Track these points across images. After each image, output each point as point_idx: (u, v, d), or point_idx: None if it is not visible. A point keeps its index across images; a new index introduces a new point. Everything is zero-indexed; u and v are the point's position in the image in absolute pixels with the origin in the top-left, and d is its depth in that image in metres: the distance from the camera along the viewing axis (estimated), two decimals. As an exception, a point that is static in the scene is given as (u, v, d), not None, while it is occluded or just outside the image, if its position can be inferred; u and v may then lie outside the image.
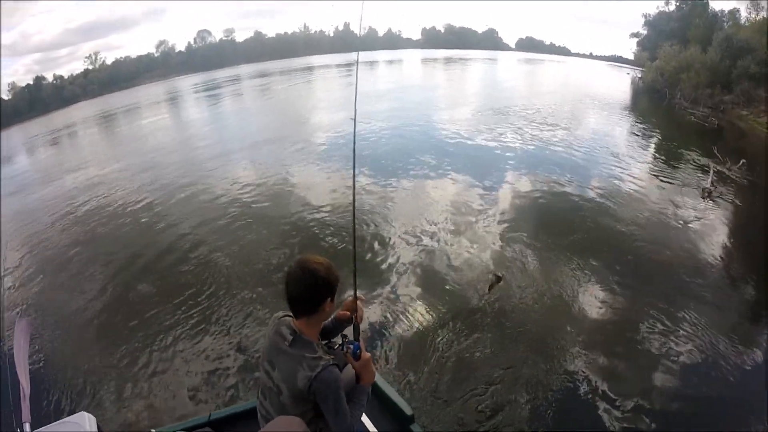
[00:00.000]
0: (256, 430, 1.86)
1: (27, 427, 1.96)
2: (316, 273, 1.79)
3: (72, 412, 2.15)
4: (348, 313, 2.12)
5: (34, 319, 5.57)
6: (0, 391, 2.57)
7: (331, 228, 7.32)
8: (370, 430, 2.49)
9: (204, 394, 4.19)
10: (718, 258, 6.45)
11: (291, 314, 1.90)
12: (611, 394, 3.95)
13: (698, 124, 16.55)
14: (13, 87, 54.88)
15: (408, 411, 2.53)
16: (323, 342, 1.97)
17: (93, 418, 2.12)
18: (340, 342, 2.06)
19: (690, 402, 3.92)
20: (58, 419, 2.14)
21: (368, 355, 2.01)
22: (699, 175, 9.91)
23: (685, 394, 3.98)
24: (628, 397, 3.92)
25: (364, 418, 2.51)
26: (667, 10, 31.82)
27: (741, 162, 10.15)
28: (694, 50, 22.07)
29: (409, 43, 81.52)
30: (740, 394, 4.00)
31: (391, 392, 2.63)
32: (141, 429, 3.19)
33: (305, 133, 14.92)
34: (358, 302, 2.12)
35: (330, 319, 2.14)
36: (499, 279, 5.68)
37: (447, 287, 5.67)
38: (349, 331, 2.11)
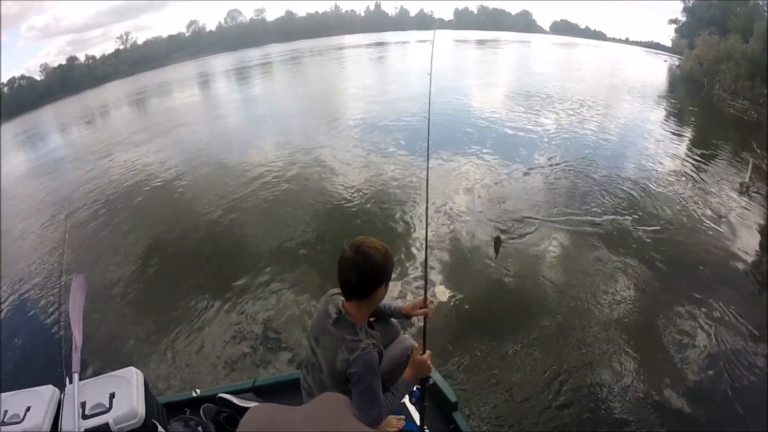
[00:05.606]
0: (298, 400, 1.91)
1: (76, 377, 2.04)
2: (373, 259, 1.73)
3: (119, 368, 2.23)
4: (413, 311, 2.10)
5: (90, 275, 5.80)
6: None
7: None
8: (412, 413, 2.48)
9: (248, 364, 4.35)
10: (752, 255, 6.23)
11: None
12: (619, 388, 3.91)
13: (737, 116, 15.89)
14: (45, 68, 56.30)
15: (452, 398, 2.48)
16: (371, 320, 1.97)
17: (140, 374, 2.21)
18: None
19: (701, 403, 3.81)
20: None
21: (425, 357, 1.96)
22: (736, 168, 9.56)
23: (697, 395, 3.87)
24: (640, 392, 3.87)
25: (407, 401, 2.49)
26: (707, -3, 30.45)
27: (780, 158, 9.77)
28: (734, 40, 21.00)
29: (440, 24, 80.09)
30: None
31: (437, 377, 2.54)
32: (186, 389, 3.32)
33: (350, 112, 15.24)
34: (429, 305, 2.08)
35: (392, 308, 2.15)
36: (499, 240, 5.84)
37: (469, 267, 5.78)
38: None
